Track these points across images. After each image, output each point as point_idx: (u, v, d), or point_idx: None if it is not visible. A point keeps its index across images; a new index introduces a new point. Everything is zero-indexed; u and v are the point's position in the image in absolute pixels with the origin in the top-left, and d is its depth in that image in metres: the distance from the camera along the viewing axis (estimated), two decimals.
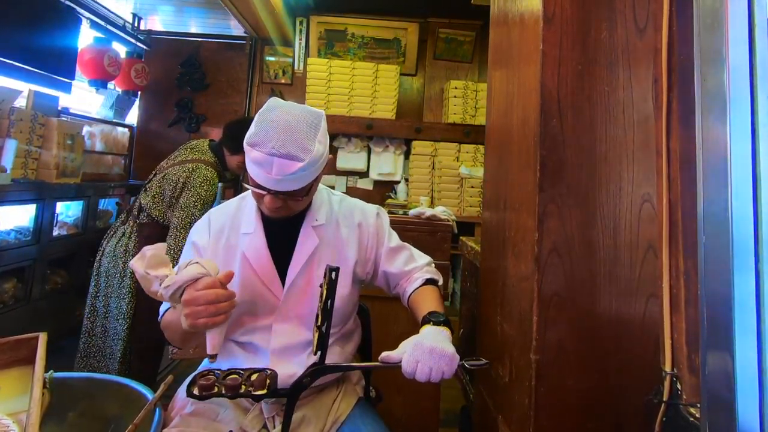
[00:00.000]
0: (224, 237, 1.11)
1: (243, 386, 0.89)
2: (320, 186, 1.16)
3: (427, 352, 0.88)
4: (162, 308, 1.10)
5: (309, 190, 1.04)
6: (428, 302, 1.07)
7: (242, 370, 0.93)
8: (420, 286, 1.15)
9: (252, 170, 0.96)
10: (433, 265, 1.24)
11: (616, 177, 0.99)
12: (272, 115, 0.97)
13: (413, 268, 1.19)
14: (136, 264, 0.91)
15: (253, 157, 0.94)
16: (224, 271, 0.92)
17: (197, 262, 0.90)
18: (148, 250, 0.92)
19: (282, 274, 1.08)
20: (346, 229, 1.16)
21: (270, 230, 1.10)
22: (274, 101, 1.02)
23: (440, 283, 1.19)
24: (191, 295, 0.85)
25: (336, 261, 1.12)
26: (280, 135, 0.93)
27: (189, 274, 0.87)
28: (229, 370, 0.93)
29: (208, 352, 0.90)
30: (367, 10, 3.63)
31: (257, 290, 1.07)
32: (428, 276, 1.17)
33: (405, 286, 1.17)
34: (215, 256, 1.09)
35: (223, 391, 0.87)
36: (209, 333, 0.90)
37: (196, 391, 0.87)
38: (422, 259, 1.23)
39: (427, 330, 0.95)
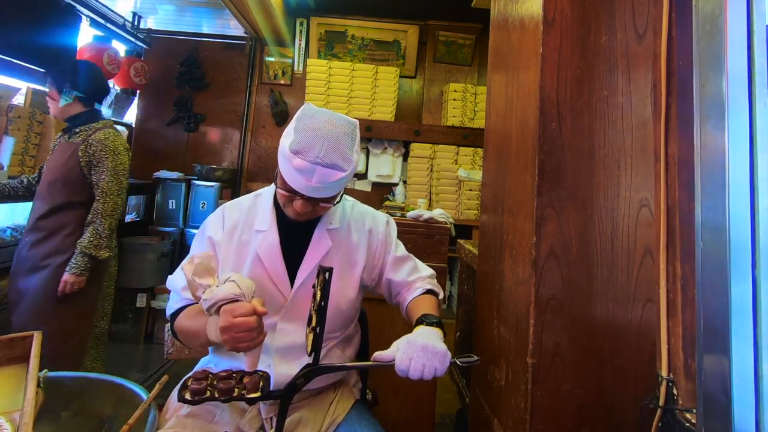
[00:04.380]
0: (238, 233, 1.12)
1: (236, 389, 0.88)
2: None
3: (419, 349, 0.88)
4: (174, 307, 1.09)
5: (339, 196, 1.07)
6: (424, 307, 1.07)
7: (235, 372, 0.92)
8: (420, 295, 1.15)
9: (291, 176, 0.96)
10: (436, 278, 1.25)
11: (614, 181, 0.99)
12: (313, 123, 0.97)
13: (416, 279, 1.20)
14: (186, 268, 0.93)
15: (295, 165, 0.94)
16: (239, 268, 0.99)
17: (234, 281, 0.90)
18: (197, 257, 0.93)
19: (292, 274, 1.08)
20: (357, 234, 1.17)
21: (283, 229, 1.11)
22: (309, 107, 1.03)
23: (441, 296, 1.19)
24: (229, 322, 0.86)
25: (346, 265, 1.13)
26: (323, 144, 0.94)
27: (224, 294, 0.89)
28: (220, 372, 0.92)
29: (248, 369, 0.93)
30: (367, 12, 3.64)
31: (266, 288, 1.07)
32: (429, 287, 1.18)
33: (405, 296, 1.18)
34: (228, 252, 1.10)
35: (216, 395, 0.86)
36: (249, 353, 0.93)
37: (188, 396, 0.86)
38: (426, 271, 1.24)
39: (420, 329, 0.96)
